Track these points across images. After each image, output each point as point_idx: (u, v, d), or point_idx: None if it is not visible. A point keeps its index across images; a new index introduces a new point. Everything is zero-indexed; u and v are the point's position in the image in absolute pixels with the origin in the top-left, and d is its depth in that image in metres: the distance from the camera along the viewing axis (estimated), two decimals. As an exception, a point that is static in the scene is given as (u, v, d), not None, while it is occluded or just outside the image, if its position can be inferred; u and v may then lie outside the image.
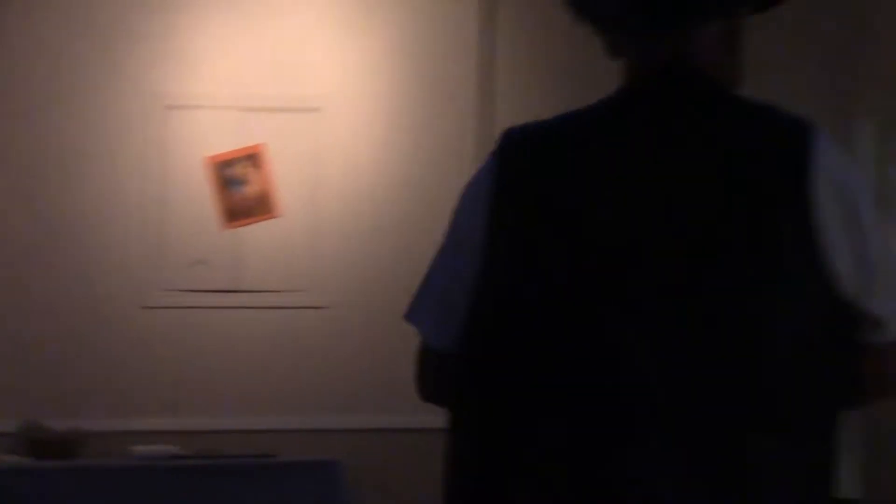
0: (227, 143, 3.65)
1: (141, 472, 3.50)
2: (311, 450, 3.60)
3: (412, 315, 1.25)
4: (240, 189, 3.66)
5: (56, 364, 3.65)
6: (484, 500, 1.18)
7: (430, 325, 1.22)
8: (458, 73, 3.84)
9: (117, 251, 3.72)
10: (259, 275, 3.69)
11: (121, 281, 3.72)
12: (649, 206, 1.15)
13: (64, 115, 3.70)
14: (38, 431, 3.56)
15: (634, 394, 1.10)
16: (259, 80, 3.72)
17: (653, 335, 1.11)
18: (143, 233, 3.71)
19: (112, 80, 3.72)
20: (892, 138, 3.82)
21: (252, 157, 3.61)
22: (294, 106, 3.65)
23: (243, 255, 3.70)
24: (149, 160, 3.70)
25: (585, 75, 2.92)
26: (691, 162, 1.16)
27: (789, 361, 1.10)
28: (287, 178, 3.68)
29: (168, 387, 3.70)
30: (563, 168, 1.19)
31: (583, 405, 1.13)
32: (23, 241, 3.68)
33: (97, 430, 3.53)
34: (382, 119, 3.78)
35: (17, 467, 3.49)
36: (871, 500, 3.72)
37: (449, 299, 1.19)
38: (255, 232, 3.71)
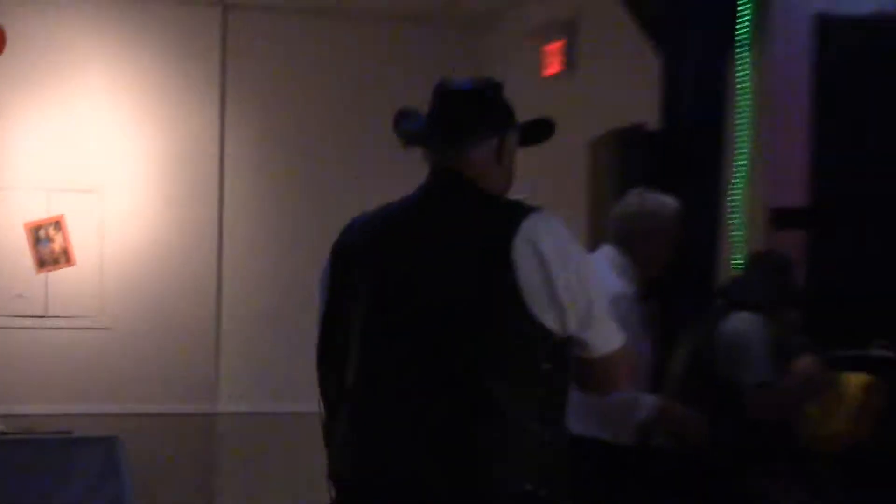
0: (38, 213, 5.23)
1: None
2: (98, 429, 5.10)
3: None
4: (48, 245, 5.20)
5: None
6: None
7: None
8: (203, 166, 5.48)
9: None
10: (61, 305, 5.26)
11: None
12: (411, 267, 1.70)
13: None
14: None
15: (385, 389, 1.69)
16: (58, 166, 5.28)
17: (401, 353, 1.68)
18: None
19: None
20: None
21: (56, 223, 5.17)
22: (81, 187, 5.24)
23: (50, 291, 5.26)
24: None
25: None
26: (443, 240, 1.70)
27: (493, 375, 1.64)
28: (81, 237, 5.27)
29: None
30: (366, 239, 1.79)
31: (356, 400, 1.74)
32: None
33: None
34: (150, 196, 5.42)
35: None
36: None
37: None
38: (59, 275, 5.27)
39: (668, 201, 3.28)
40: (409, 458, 1.65)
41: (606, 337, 1.74)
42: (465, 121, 1.79)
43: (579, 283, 1.69)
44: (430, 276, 1.69)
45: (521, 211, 1.69)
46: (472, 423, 1.64)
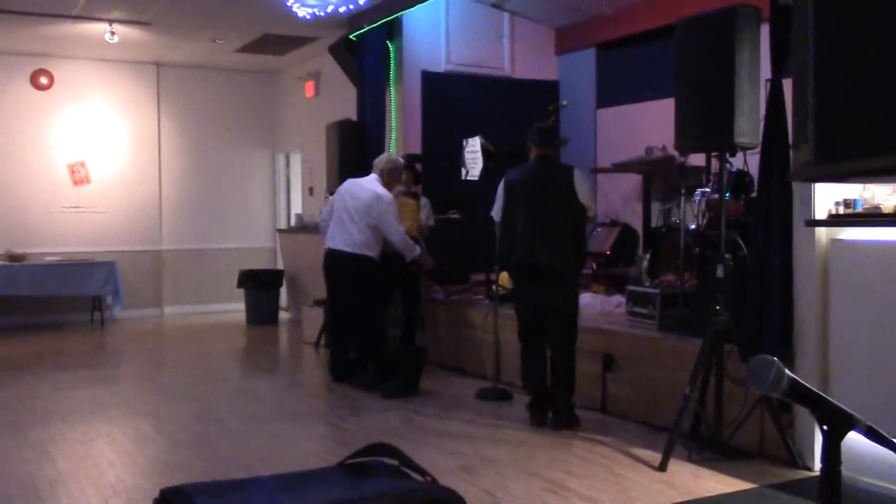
0: (73, 159, 11.00)
1: None
2: (102, 258, 10.96)
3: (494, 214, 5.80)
4: (78, 174, 10.99)
5: None
6: (508, 253, 5.64)
7: (496, 216, 5.74)
8: (149, 147, 11.51)
9: None
10: (83, 202, 11.08)
11: None
12: (532, 188, 5.49)
13: None
14: None
15: (534, 230, 5.46)
16: (81, 142, 11.15)
17: (538, 218, 5.46)
18: None
19: None
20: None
21: (83, 163, 10.98)
22: (90, 150, 11.14)
23: (80, 195, 11.05)
24: None
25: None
26: (550, 178, 5.47)
27: (566, 222, 5.43)
28: (93, 171, 11.14)
29: None
30: (513, 179, 5.61)
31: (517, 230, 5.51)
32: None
33: None
34: (122, 161, 11.40)
35: None
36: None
37: (497, 211, 5.74)
38: (83, 188, 11.09)
39: (401, 160, 7.18)
40: (542, 252, 5.38)
41: (592, 206, 5.48)
42: (549, 137, 5.67)
43: (587, 189, 5.48)
44: (548, 190, 5.44)
45: (570, 167, 5.52)
46: (560, 239, 5.38)
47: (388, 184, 6.92)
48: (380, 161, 7.07)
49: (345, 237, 6.84)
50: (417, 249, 6.94)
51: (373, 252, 6.83)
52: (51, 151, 10.86)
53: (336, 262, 6.94)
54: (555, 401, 5.60)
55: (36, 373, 7.72)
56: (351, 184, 7.05)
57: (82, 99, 11.06)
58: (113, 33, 9.14)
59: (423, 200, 7.71)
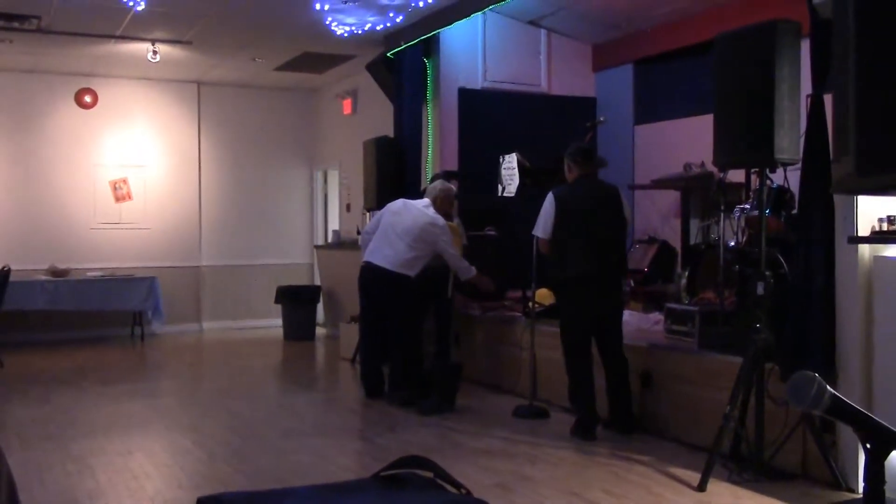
0: (115, 176, 11.21)
1: None
2: (143, 274, 11.11)
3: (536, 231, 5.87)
4: (120, 190, 11.17)
5: None
6: (559, 268, 5.75)
7: (540, 233, 5.81)
8: (189, 164, 11.67)
9: None
10: (126, 218, 11.26)
11: None
12: (586, 206, 5.69)
13: None
14: None
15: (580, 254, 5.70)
16: (123, 158, 11.34)
17: (591, 233, 5.69)
18: None
19: None
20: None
21: (124, 180, 11.18)
22: (134, 164, 11.32)
23: (122, 211, 11.24)
24: None
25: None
26: (598, 196, 5.75)
27: (617, 236, 5.82)
28: (134, 187, 11.31)
29: None
30: (565, 198, 5.73)
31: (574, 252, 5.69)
32: None
33: None
34: (166, 173, 11.57)
35: None
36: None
37: (546, 227, 5.79)
38: (125, 205, 11.28)
39: (453, 187, 7.15)
40: (597, 265, 5.64)
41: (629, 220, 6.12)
42: (592, 157, 5.90)
43: (627, 205, 5.96)
44: (601, 207, 5.71)
45: (615, 187, 5.92)
46: (612, 253, 5.72)
47: (439, 210, 6.99)
48: (433, 188, 7.15)
49: (387, 254, 6.84)
50: (473, 270, 6.99)
51: (412, 272, 6.83)
52: (94, 168, 11.05)
53: (374, 278, 6.92)
54: (618, 407, 5.75)
55: (78, 386, 7.82)
56: (402, 203, 7.09)
57: (125, 117, 11.25)
58: (155, 52, 9.28)
59: (457, 220, 7.73)
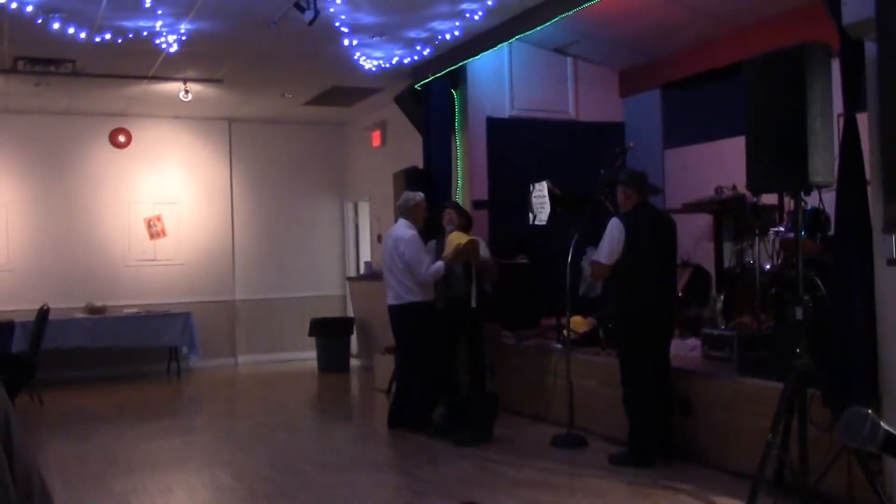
0: (149, 213, 11.36)
1: None
2: (178, 308, 11.21)
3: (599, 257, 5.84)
4: (154, 227, 11.33)
5: None
6: (630, 295, 5.76)
7: (605, 259, 5.77)
8: (221, 199, 11.80)
9: None
10: (160, 254, 11.38)
11: None
12: (655, 233, 5.81)
13: None
14: None
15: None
16: (158, 194, 11.48)
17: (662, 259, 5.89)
18: None
19: None
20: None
21: (158, 217, 11.33)
22: (169, 201, 11.46)
23: (156, 248, 11.37)
24: None
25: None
26: (664, 222, 5.92)
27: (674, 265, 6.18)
28: (169, 224, 11.45)
29: None
30: (634, 224, 5.73)
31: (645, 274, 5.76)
32: None
33: None
34: (199, 208, 11.70)
35: None
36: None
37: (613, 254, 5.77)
38: (159, 242, 11.42)
39: (417, 194, 7.23)
40: (667, 291, 5.83)
41: None
42: (647, 183, 6.03)
43: None
44: (665, 234, 5.83)
45: (668, 213, 6.63)
46: (675, 279, 6.08)
47: (416, 221, 6.98)
48: (400, 204, 7.15)
49: (389, 291, 6.94)
50: (440, 266, 6.71)
51: (416, 296, 6.80)
52: (128, 207, 11.20)
53: (391, 318, 7.03)
54: (662, 434, 5.72)
55: (117, 424, 7.88)
56: (386, 236, 7.13)
57: (158, 155, 11.41)
58: (187, 91, 9.41)
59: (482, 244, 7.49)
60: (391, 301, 6.94)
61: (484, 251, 7.26)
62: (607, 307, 6.59)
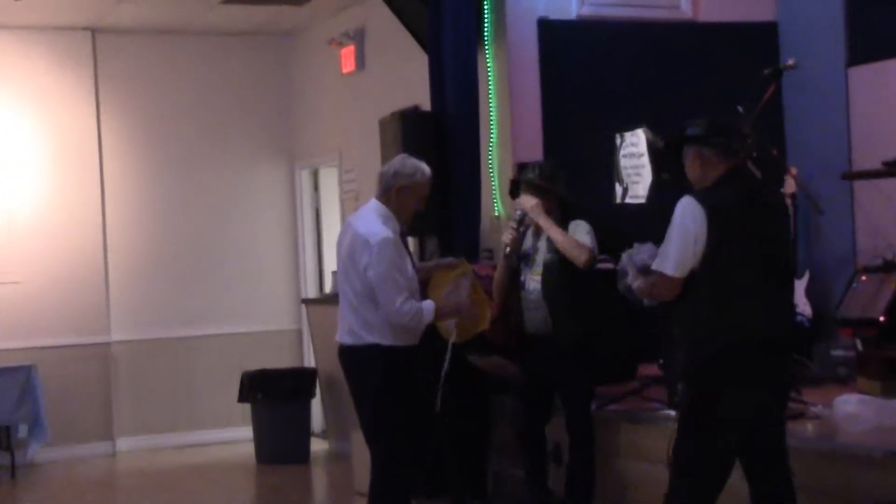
0: None
1: None
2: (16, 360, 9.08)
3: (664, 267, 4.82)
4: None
5: None
6: (719, 329, 4.77)
7: (672, 269, 4.67)
8: (84, 155, 9.85)
9: None
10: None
11: None
12: (755, 222, 4.97)
13: None
14: None
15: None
16: None
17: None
18: None
19: None
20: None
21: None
22: None
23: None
24: None
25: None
26: (770, 204, 5.38)
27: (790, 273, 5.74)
28: None
29: None
30: (718, 207, 4.92)
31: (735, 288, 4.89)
32: None
33: None
34: (43, 178, 9.82)
35: None
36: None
37: (685, 260, 4.71)
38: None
39: (423, 166, 5.71)
40: (782, 320, 5.11)
41: None
42: (743, 140, 5.39)
43: None
44: (773, 224, 5.04)
45: (775, 187, 5.82)
46: (792, 297, 5.38)
47: (399, 210, 6.09)
48: (384, 171, 6.14)
49: (341, 319, 6.16)
50: (429, 307, 6.10)
51: (381, 337, 5.95)
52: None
53: (342, 365, 6.27)
54: None
55: None
56: (345, 225, 6.29)
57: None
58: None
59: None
60: (341, 338, 6.05)
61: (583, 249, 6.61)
62: (676, 348, 6.05)
